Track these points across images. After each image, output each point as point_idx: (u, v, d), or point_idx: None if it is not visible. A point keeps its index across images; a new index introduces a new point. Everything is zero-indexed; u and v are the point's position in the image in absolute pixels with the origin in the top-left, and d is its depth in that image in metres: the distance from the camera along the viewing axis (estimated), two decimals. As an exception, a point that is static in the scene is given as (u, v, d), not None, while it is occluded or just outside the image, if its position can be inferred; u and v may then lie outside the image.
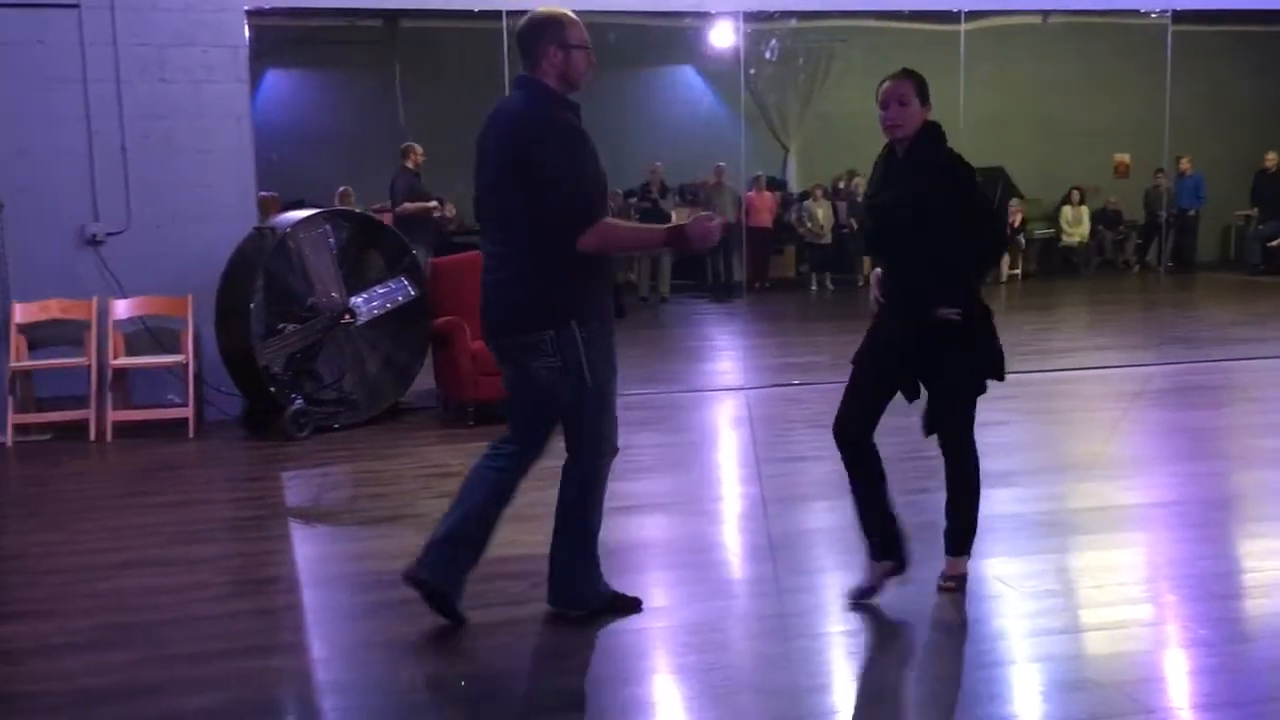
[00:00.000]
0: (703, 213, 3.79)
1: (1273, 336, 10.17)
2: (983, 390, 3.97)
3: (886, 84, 3.81)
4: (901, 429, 6.52)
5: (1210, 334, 10.55)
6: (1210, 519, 4.99)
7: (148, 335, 7.42)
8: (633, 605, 3.92)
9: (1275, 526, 4.86)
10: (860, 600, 3.95)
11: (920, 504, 5.23)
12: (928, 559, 4.47)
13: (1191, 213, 14.98)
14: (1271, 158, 15.11)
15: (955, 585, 4.01)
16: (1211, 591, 4.07)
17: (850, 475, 4.00)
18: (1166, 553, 4.59)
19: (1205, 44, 14.14)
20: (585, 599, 3.86)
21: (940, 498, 5.34)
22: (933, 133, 3.81)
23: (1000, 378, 3.99)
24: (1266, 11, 10.31)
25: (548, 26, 3.60)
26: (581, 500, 3.82)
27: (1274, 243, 14.89)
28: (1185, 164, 14.59)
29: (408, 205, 10.10)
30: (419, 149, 10.28)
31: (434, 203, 10.27)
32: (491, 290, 3.72)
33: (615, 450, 3.89)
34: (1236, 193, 15.48)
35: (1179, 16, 9.35)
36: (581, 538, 3.83)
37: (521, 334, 3.65)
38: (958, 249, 3.75)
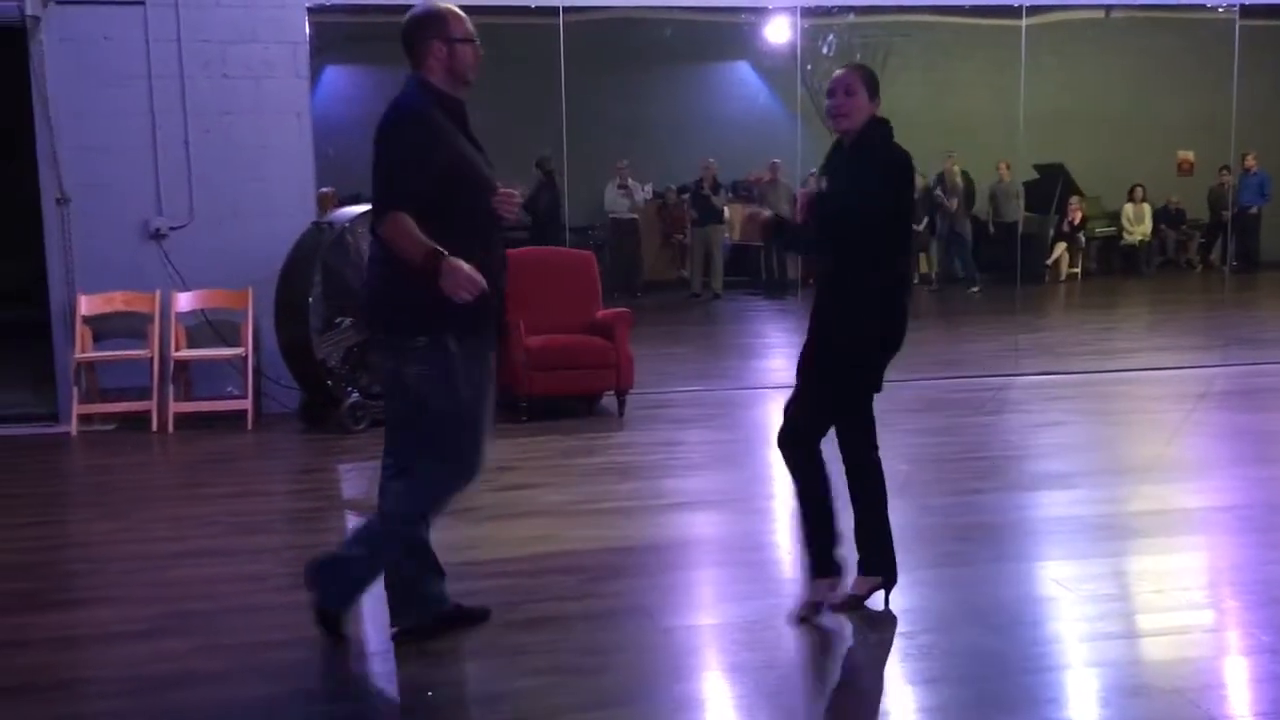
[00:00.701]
0: (467, 269, 3.30)
1: (1342, 338, 9.94)
2: (842, 399, 3.79)
3: (837, 73, 3.76)
4: (950, 429, 6.45)
5: (1276, 335, 10.32)
6: (1275, 523, 4.88)
7: (208, 328, 7.53)
8: (480, 615, 3.76)
9: (1343, 533, 4.74)
10: (808, 618, 3.81)
11: (973, 504, 5.19)
12: (981, 559, 4.42)
13: (1254, 211, 14.65)
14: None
15: (847, 605, 3.84)
16: (1275, 597, 3.99)
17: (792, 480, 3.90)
18: (1229, 557, 4.50)
19: (1275, 38, 13.82)
20: (426, 612, 3.67)
21: (995, 499, 5.31)
22: (880, 128, 3.74)
23: (866, 389, 3.80)
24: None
25: (430, 22, 3.51)
26: (403, 519, 3.57)
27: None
28: (1250, 161, 14.27)
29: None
30: None
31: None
32: (366, 291, 3.64)
33: (469, 479, 3.58)
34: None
35: (1247, 10, 9.15)
36: (411, 553, 3.63)
37: (395, 337, 3.50)
38: (885, 247, 3.66)
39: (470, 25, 3.56)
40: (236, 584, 4.31)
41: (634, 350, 7.36)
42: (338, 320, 7.06)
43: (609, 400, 7.41)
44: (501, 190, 3.60)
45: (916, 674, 3.48)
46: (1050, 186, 14.98)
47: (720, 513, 5.21)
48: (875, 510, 3.88)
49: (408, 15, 3.56)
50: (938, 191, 14.26)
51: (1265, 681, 3.37)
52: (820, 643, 3.70)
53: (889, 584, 3.92)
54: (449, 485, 3.57)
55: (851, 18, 11.11)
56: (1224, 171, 14.21)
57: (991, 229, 14.73)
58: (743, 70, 15.00)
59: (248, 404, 7.20)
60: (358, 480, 6.10)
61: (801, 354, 3.87)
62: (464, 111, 3.59)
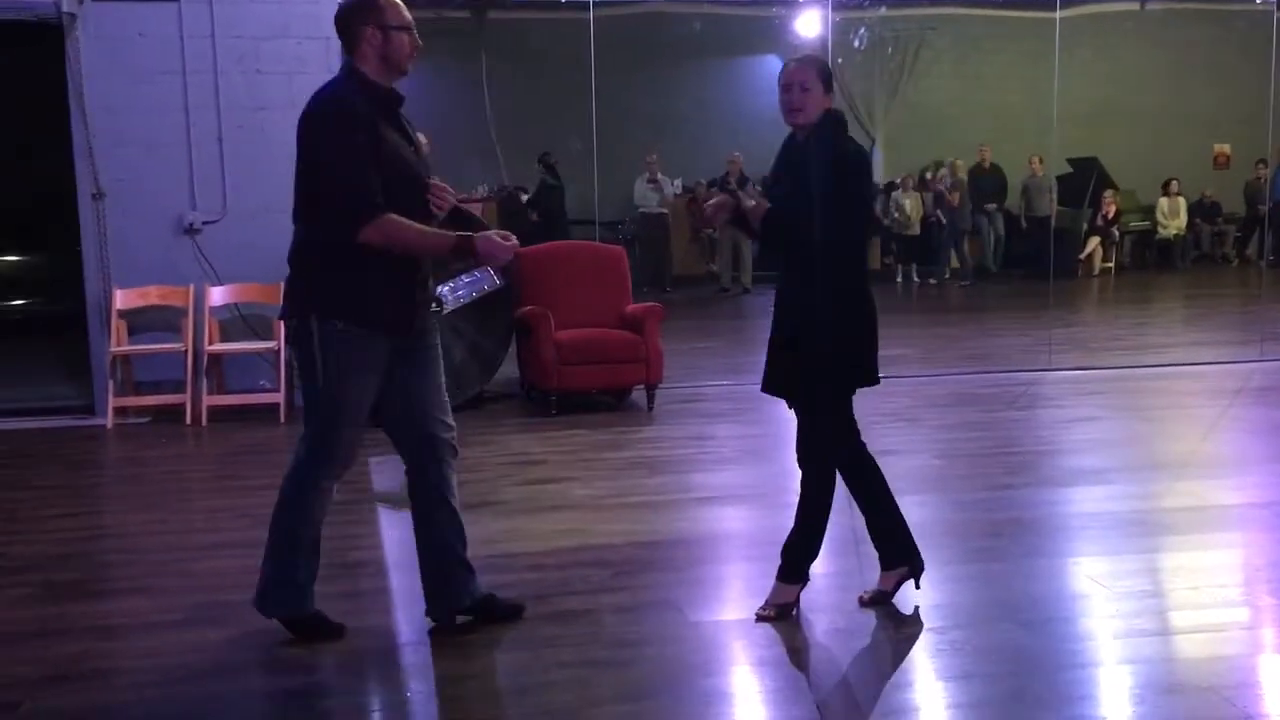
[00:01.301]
0: (502, 232, 3.61)
1: (1381, 333, 9.79)
2: (829, 395, 3.75)
3: (790, 66, 3.72)
4: (982, 424, 6.42)
5: (1314, 330, 10.19)
6: (1313, 521, 4.83)
7: (241, 322, 7.60)
8: (336, 631, 3.70)
9: (1383, 530, 4.68)
10: (776, 620, 3.78)
11: (1005, 500, 5.16)
12: (1013, 555, 4.40)
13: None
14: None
15: (772, 614, 3.81)
16: (1314, 596, 3.94)
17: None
18: (1266, 554, 4.45)
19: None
20: (264, 604, 3.68)
21: (1027, 494, 5.27)
22: (833, 121, 3.70)
23: (854, 385, 3.78)
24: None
25: (363, 8, 3.44)
26: (283, 505, 3.65)
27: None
28: (1287, 155, 14.10)
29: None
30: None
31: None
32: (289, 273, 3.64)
33: (336, 471, 3.65)
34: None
35: (1286, 1, 9.03)
36: (284, 541, 3.67)
37: (286, 317, 3.59)
38: (837, 236, 3.60)
39: (407, 13, 3.49)
40: (269, 575, 4.34)
41: (664, 344, 7.36)
42: (369, 314, 7.10)
43: (638, 394, 7.42)
44: (434, 184, 3.60)
45: (947, 670, 3.46)
46: (1083, 180, 14.86)
47: (749, 507, 5.21)
48: (880, 502, 3.86)
49: (340, 3, 3.50)
50: (940, 186, 14.19)
51: (1303, 680, 3.33)
52: (849, 638, 3.69)
53: (916, 572, 3.90)
54: (312, 470, 3.61)
55: (883, 11, 11.09)
56: (1260, 165, 14.05)
57: (1024, 223, 14.64)
58: (772, 64, 14.94)
59: (280, 397, 7.26)
60: (388, 472, 6.13)
61: (777, 361, 3.80)
62: (395, 101, 3.53)
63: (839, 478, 3.84)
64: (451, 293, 7.24)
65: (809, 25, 9.40)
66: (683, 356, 8.94)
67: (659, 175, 13.27)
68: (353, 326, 3.46)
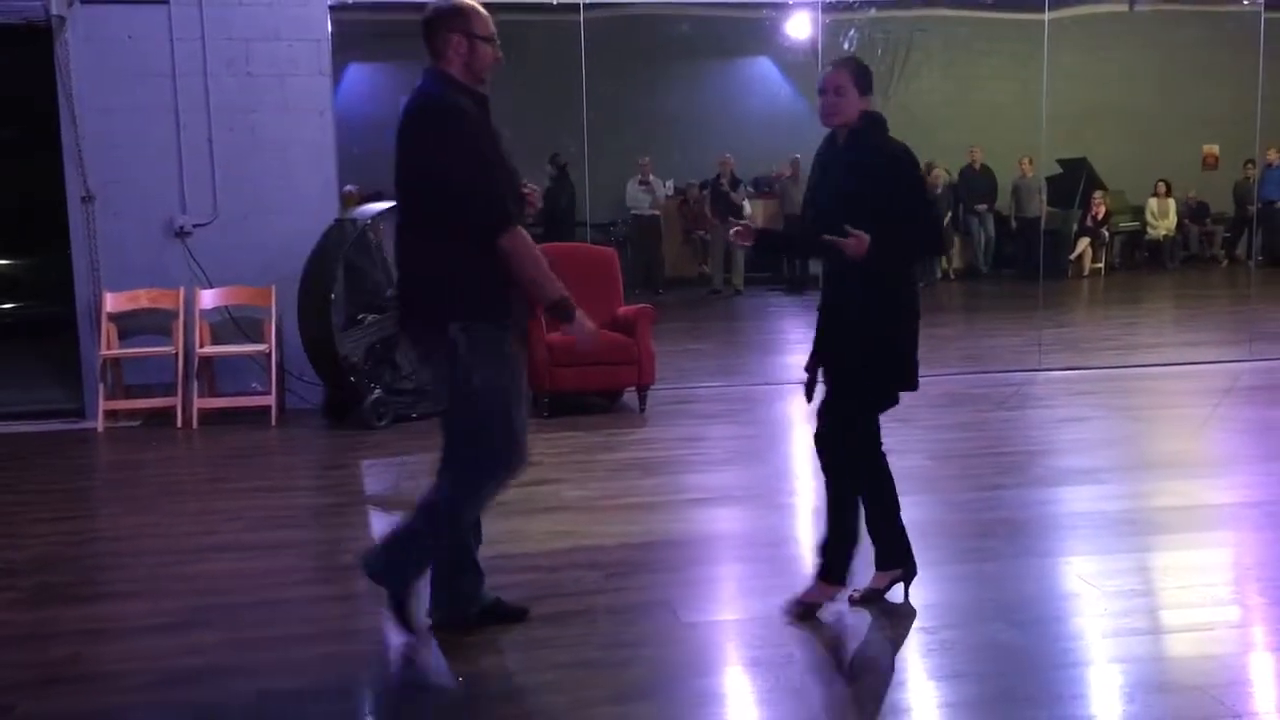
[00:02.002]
0: (590, 326, 3.61)
1: (1370, 333, 9.84)
2: (878, 400, 3.79)
3: (826, 70, 3.77)
4: (973, 424, 6.44)
5: (1303, 330, 10.24)
6: (1302, 520, 4.85)
7: (232, 325, 7.59)
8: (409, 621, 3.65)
9: (1371, 529, 4.70)
10: (803, 617, 3.81)
11: (995, 500, 5.18)
12: (1004, 555, 4.41)
13: (1278, 204, 14.54)
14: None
15: (860, 598, 3.86)
16: (1303, 594, 3.96)
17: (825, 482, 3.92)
18: (1255, 553, 4.47)
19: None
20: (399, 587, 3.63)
21: (1018, 494, 5.29)
22: (873, 123, 3.73)
23: (901, 388, 3.81)
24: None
25: (452, 15, 3.50)
26: (444, 518, 3.60)
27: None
28: (1273, 154, 14.16)
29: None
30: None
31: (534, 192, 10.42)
32: (400, 284, 3.62)
33: (513, 472, 3.59)
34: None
35: (1273, 3, 9.07)
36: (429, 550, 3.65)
37: (421, 330, 3.56)
38: (892, 245, 3.61)
39: (492, 24, 3.57)
40: (262, 578, 4.35)
41: (656, 346, 7.37)
42: (360, 317, 7.10)
43: (631, 396, 7.43)
44: (524, 186, 3.64)
45: (939, 669, 3.47)
46: (1073, 181, 14.90)
47: (742, 508, 5.22)
48: (882, 503, 3.87)
49: (430, 6, 3.55)
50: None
51: (1292, 678, 3.36)
52: (842, 638, 3.70)
53: (908, 577, 3.91)
54: (485, 476, 3.55)
55: (873, 13, 11.10)
56: (1249, 165, 14.11)
57: (1014, 224, 14.68)
58: (763, 66, 14.99)
59: (271, 400, 7.25)
60: (380, 476, 6.14)
61: (823, 356, 3.84)
62: (488, 104, 3.59)
63: (820, 476, 3.88)
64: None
65: (799, 27, 9.40)
66: (675, 358, 8.94)
67: (651, 177, 13.28)
68: (491, 328, 3.48)
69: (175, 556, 4.65)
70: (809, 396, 3.88)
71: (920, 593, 3.96)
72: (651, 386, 7.33)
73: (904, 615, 3.82)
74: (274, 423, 7.17)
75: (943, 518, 4.93)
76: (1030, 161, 14.11)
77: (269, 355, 7.29)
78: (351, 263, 7.15)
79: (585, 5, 8.30)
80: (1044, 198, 14.26)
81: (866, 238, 3.54)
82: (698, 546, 4.69)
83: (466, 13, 3.52)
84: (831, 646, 3.66)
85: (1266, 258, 14.75)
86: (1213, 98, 13.56)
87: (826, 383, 3.85)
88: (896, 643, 3.65)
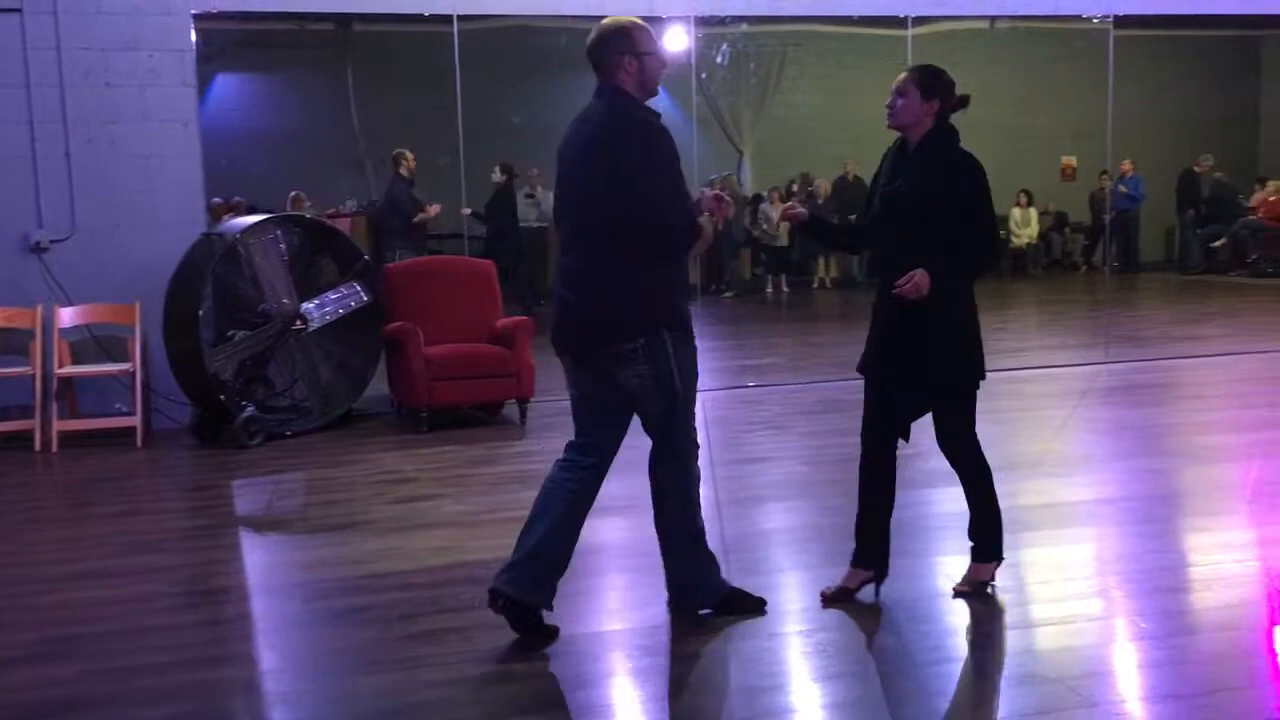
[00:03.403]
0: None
1: (1214, 335, 10.38)
2: (969, 389, 4.06)
3: (899, 75, 3.91)
4: (848, 430, 6.56)
5: (1154, 333, 10.74)
6: (1156, 514, 5.08)
7: (94, 344, 7.31)
8: (755, 605, 3.90)
9: (1219, 520, 4.95)
10: (835, 601, 3.96)
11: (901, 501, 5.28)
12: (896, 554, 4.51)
13: (1132, 212, 15.25)
14: (1204, 161, 15.41)
15: (970, 589, 4.02)
16: (1157, 586, 4.14)
17: (861, 477, 4.05)
18: (1114, 548, 4.66)
19: (1147, 49, 14.39)
20: (712, 596, 3.88)
21: (959, 492, 5.41)
22: (942, 130, 3.89)
23: (975, 380, 4.08)
24: (1204, 16, 10.51)
25: (616, 37, 3.64)
26: (685, 505, 3.85)
27: (1216, 243, 15.19)
28: (1126, 166, 14.86)
29: (421, 215, 10.23)
30: (410, 155, 10.25)
31: (435, 208, 10.30)
32: (575, 299, 3.72)
33: (696, 452, 3.92)
34: (1176, 195, 15.81)
35: (1120, 21, 9.51)
36: (695, 540, 3.87)
37: (613, 344, 3.65)
38: (953, 247, 3.79)
39: (654, 37, 3.69)
40: (125, 605, 4.20)
41: (536, 359, 7.35)
42: (230, 333, 6.92)
43: (511, 409, 7.39)
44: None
45: (815, 671, 3.54)
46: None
47: (623, 518, 5.22)
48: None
49: (595, 31, 3.67)
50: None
51: (1148, 668, 3.50)
52: (723, 644, 3.74)
53: (879, 579, 4.05)
54: (693, 468, 3.86)
55: (744, 27, 11.27)
56: (1104, 176, 14.75)
57: (886, 234, 15.09)
58: (641, 78, 15.09)
59: (137, 421, 7.00)
60: (253, 496, 5.99)
61: (884, 359, 3.97)
62: (660, 119, 3.71)
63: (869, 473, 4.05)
64: (318, 309, 7.16)
65: (674, 40, 9.48)
66: (555, 370, 8.92)
67: (538, 190, 13.21)
68: (681, 334, 3.71)
69: (35, 586, 4.45)
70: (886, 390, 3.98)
71: (798, 595, 4.03)
72: (532, 399, 7.31)
73: (782, 618, 3.87)
74: (140, 444, 6.93)
75: (818, 522, 5.03)
76: (901, 173, 14.50)
77: (133, 374, 7.04)
78: (220, 278, 6.97)
79: (459, 16, 8.24)
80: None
81: (926, 282, 3.71)
82: (578, 558, 4.63)
83: (630, 31, 3.65)
84: (712, 652, 3.69)
85: (1122, 264, 15.47)
86: (1069, 111, 14.15)
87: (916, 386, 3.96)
88: (774, 646, 3.70)
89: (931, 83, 3.85)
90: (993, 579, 4.05)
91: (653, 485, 3.90)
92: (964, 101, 3.96)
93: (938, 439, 4.04)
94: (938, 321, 3.85)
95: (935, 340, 3.88)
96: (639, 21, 3.70)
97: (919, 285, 3.70)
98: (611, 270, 3.63)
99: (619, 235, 3.59)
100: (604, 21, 3.70)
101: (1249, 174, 15.74)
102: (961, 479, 4.06)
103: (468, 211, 11.19)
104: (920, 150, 3.88)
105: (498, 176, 11.30)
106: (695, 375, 3.81)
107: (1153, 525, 4.90)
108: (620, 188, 3.55)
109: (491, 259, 11.32)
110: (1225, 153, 15.70)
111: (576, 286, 3.72)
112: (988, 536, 4.04)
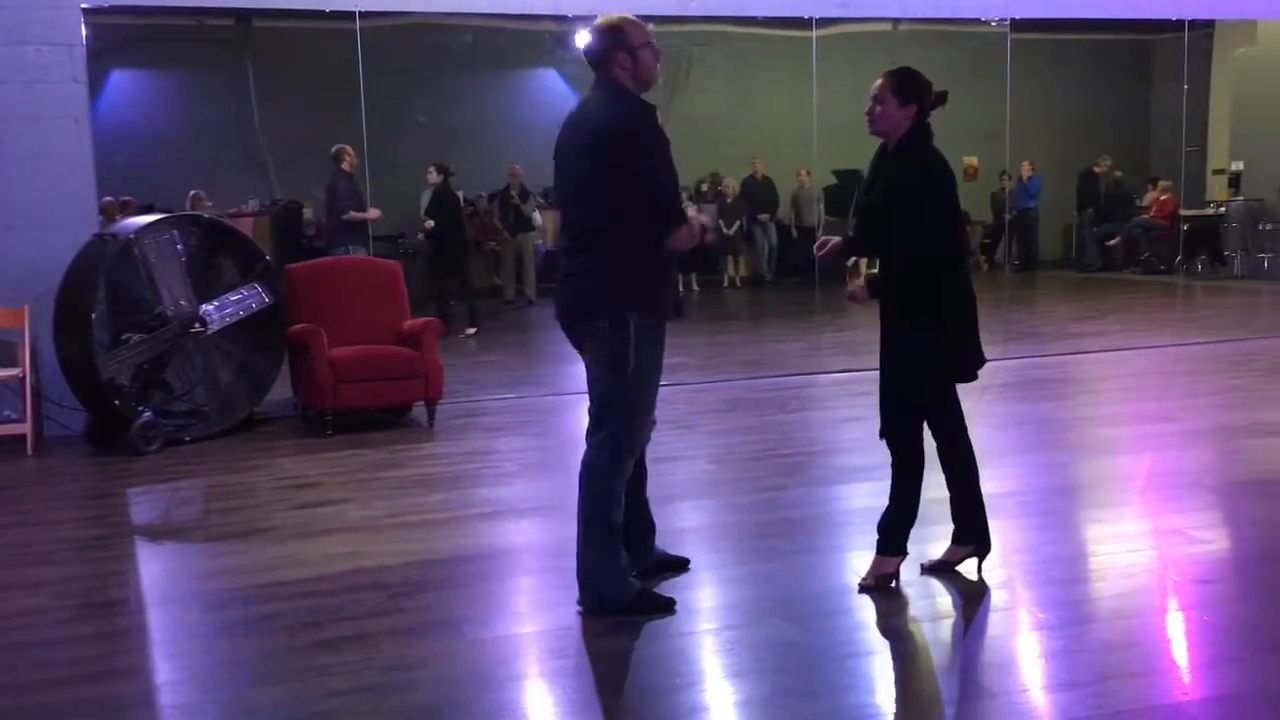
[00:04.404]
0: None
1: (1110, 331, 10.69)
2: (922, 386, 4.09)
3: (876, 81, 3.96)
4: (755, 427, 6.60)
5: (1052, 329, 11.02)
6: (1054, 507, 5.20)
7: (-20, 348, 7.04)
8: (665, 604, 3.90)
9: (1115, 512, 5.09)
10: (934, 572, 4.17)
11: (777, 500, 5.33)
12: (784, 553, 4.55)
13: (1030, 211, 15.66)
14: (1103, 162, 15.91)
15: (874, 583, 4.06)
16: (1055, 577, 4.24)
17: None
18: (1012, 540, 4.75)
19: (1043, 51, 14.78)
20: (619, 598, 3.86)
21: (798, 494, 5.47)
22: (916, 133, 3.93)
23: (957, 379, 4.19)
24: (1098, 21, 10.81)
25: (610, 34, 3.79)
26: (606, 497, 3.86)
27: (1111, 241, 15.66)
28: (1026, 167, 15.25)
29: (354, 214, 9.89)
30: (351, 150, 9.98)
31: (375, 213, 10.00)
32: (562, 277, 3.90)
33: (634, 449, 3.94)
34: (1076, 195, 16.27)
35: (1017, 25, 9.74)
36: (609, 534, 3.87)
37: (582, 320, 3.83)
38: (917, 246, 3.88)
39: (646, 29, 3.84)
40: (16, 619, 4.04)
41: (444, 359, 7.27)
42: (125, 336, 6.71)
43: (419, 411, 7.30)
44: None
45: (724, 669, 3.55)
46: (848, 192, 15.54)
47: (532, 520, 5.20)
48: (967, 482, 4.16)
49: (591, 30, 3.82)
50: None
51: (1046, 657, 3.58)
52: (630, 644, 3.73)
53: (982, 553, 4.17)
54: (621, 460, 3.85)
55: (651, 27, 11.35)
56: (1004, 176, 15.11)
57: (794, 232, 15.26)
58: (549, 77, 15.02)
59: (27, 428, 6.75)
60: (150, 504, 5.82)
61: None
62: (655, 113, 3.83)
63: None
64: (218, 311, 6.99)
65: (582, 40, 9.49)
66: (464, 370, 8.86)
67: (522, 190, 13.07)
68: (652, 319, 3.79)
69: (-87, 602, 4.26)
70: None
71: (706, 593, 4.05)
72: (440, 401, 7.23)
73: (693, 617, 3.88)
74: (30, 452, 6.68)
75: (725, 520, 5.06)
76: (808, 173, 14.67)
77: (23, 380, 6.79)
78: (114, 279, 6.76)
79: (361, 13, 8.12)
80: (822, 207, 14.86)
81: (839, 246, 4.06)
82: (486, 561, 4.64)
83: (623, 28, 3.80)
84: (621, 653, 3.68)
85: (1021, 262, 15.86)
86: (969, 112, 14.42)
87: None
88: (683, 645, 3.71)
89: (908, 87, 3.91)
90: (897, 573, 4.11)
91: (580, 471, 3.91)
92: (942, 98, 3.99)
93: (881, 425, 4.12)
94: (902, 317, 3.98)
95: (900, 333, 4.01)
96: (631, 18, 3.84)
97: (835, 248, 4.04)
98: (597, 252, 3.77)
99: (604, 220, 3.74)
100: (598, 20, 3.84)
101: (1141, 174, 16.26)
102: (892, 469, 4.13)
103: (430, 224, 11.07)
104: (896, 154, 3.96)
105: (434, 177, 11.08)
106: (654, 371, 3.87)
107: (1050, 518, 5.02)
108: (615, 170, 3.69)
109: (438, 260, 11.25)
110: (1119, 153, 16.20)
111: (564, 266, 3.91)
112: (896, 531, 4.10)
